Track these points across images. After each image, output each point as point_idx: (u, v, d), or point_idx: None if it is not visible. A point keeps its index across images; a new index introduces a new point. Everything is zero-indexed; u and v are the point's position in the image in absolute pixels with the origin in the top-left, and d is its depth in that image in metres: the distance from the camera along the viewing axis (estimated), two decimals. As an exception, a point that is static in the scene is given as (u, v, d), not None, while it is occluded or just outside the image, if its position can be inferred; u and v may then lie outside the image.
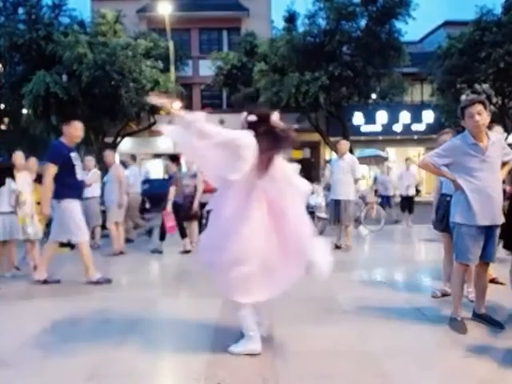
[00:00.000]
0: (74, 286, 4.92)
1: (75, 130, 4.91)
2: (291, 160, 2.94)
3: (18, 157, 5.70)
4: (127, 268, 6.00)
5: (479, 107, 3.15)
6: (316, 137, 19.71)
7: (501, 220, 3.23)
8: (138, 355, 2.88)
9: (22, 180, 5.66)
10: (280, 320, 3.46)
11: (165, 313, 3.90)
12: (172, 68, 18.11)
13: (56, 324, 3.54)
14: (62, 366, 2.76)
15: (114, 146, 19.94)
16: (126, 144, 20.91)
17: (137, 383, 2.56)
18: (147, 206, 10.18)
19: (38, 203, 5.86)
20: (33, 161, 6.11)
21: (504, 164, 3.35)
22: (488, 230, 3.21)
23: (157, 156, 22.21)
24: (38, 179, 5.97)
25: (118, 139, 20.03)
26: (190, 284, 4.91)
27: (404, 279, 5.35)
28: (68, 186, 4.83)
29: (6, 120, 21.58)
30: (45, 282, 4.91)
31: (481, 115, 3.14)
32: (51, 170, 4.77)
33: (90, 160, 7.70)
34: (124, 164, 8.28)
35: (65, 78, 16.53)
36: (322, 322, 3.51)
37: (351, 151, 18.37)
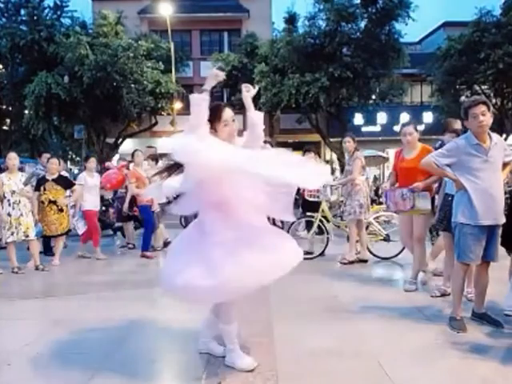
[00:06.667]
0: (75, 286, 4.94)
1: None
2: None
3: (12, 158, 5.70)
4: (127, 268, 6.00)
5: (483, 108, 3.17)
6: (316, 137, 19.73)
7: (503, 220, 3.25)
8: (137, 355, 2.89)
9: (17, 181, 5.66)
10: (280, 319, 3.47)
11: (165, 312, 3.90)
12: (173, 69, 18.14)
13: (56, 324, 3.55)
14: (62, 366, 2.76)
15: (115, 147, 20.01)
16: (128, 145, 20.91)
17: (136, 383, 2.57)
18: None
19: (54, 202, 6.01)
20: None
21: (504, 165, 3.37)
22: (490, 230, 3.22)
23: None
24: (55, 180, 6.11)
25: (120, 140, 20.06)
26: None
27: (404, 279, 5.34)
28: None
29: (8, 121, 21.62)
30: None
31: (485, 116, 3.16)
32: None
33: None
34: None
35: (66, 79, 16.56)
36: (322, 321, 3.51)
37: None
